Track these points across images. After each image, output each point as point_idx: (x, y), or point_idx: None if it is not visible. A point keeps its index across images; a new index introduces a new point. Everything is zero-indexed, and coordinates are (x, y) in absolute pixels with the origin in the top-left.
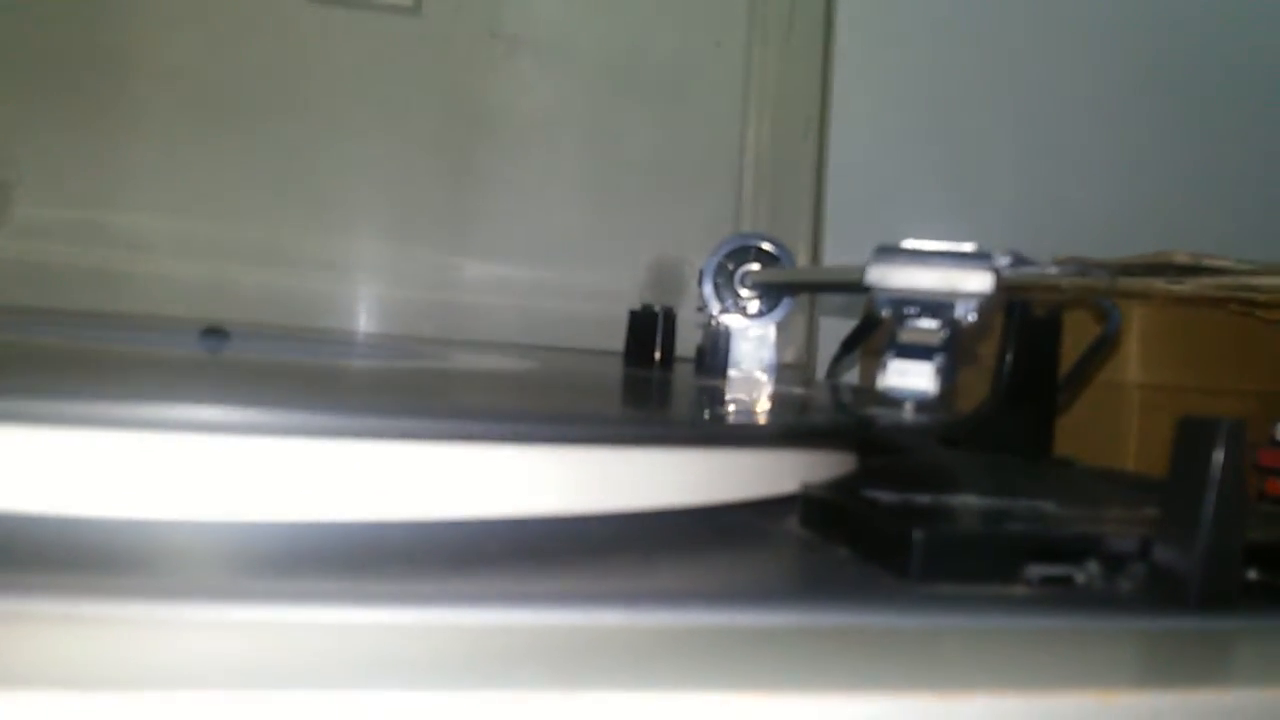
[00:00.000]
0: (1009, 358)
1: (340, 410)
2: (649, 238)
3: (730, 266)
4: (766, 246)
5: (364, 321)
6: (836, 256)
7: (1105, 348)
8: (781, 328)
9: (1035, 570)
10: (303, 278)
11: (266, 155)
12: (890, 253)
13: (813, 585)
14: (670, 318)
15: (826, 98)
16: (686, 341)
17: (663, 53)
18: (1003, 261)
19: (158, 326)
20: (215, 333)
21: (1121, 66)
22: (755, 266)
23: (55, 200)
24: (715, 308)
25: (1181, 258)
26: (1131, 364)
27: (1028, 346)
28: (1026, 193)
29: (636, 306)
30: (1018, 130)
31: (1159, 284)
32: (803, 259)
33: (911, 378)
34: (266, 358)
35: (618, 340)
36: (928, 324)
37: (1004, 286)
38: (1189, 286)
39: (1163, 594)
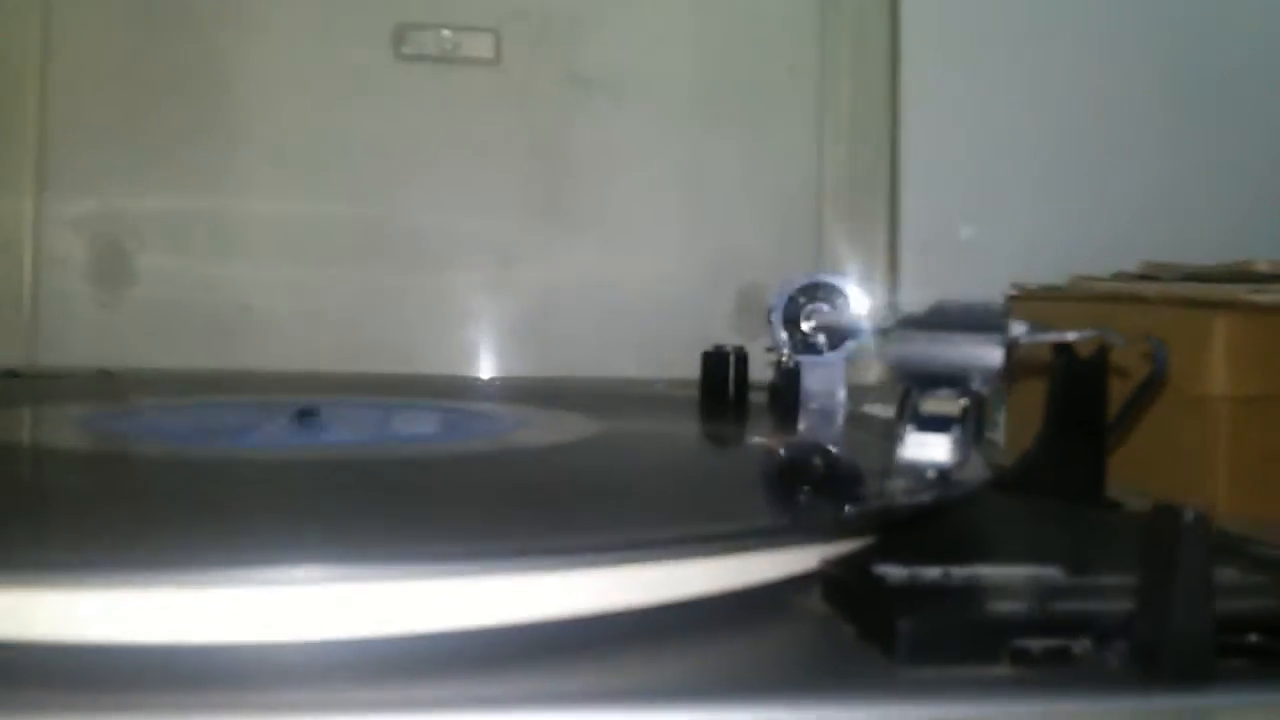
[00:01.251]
0: (1055, 401)
1: (399, 558)
2: (734, 266)
3: (801, 302)
4: (834, 282)
5: (462, 360)
6: (914, 275)
7: (1153, 387)
8: (859, 355)
9: (1036, 644)
10: (403, 321)
11: (365, 207)
12: (905, 331)
13: (807, 674)
14: (742, 359)
15: (897, 116)
16: (764, 370)
17: (738, 82)
18: (1019, 330)
19: (260, 390)
20: (306, 414)
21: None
22: (824, 305)
23: (172, 264)
24: (785, 346)
25: (1263, 266)
26: (1218, 376)
27: (1074, 389)
28: (1101, 197)
29: (726, 333)
30: (1092, 137)
31: (1242, 293)
32: (880, 280)
33: (930, 449)
34: (344, 455)
35: None
36: (946, 393)
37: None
38: (1273, 295)
39: (1142, 670)
